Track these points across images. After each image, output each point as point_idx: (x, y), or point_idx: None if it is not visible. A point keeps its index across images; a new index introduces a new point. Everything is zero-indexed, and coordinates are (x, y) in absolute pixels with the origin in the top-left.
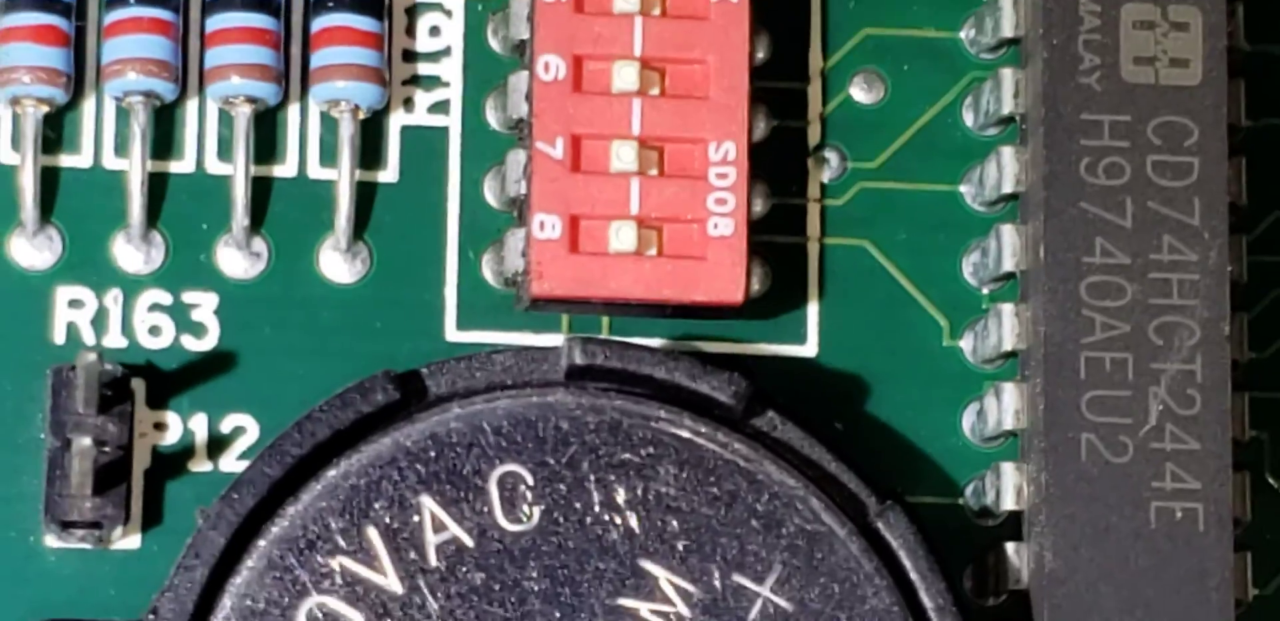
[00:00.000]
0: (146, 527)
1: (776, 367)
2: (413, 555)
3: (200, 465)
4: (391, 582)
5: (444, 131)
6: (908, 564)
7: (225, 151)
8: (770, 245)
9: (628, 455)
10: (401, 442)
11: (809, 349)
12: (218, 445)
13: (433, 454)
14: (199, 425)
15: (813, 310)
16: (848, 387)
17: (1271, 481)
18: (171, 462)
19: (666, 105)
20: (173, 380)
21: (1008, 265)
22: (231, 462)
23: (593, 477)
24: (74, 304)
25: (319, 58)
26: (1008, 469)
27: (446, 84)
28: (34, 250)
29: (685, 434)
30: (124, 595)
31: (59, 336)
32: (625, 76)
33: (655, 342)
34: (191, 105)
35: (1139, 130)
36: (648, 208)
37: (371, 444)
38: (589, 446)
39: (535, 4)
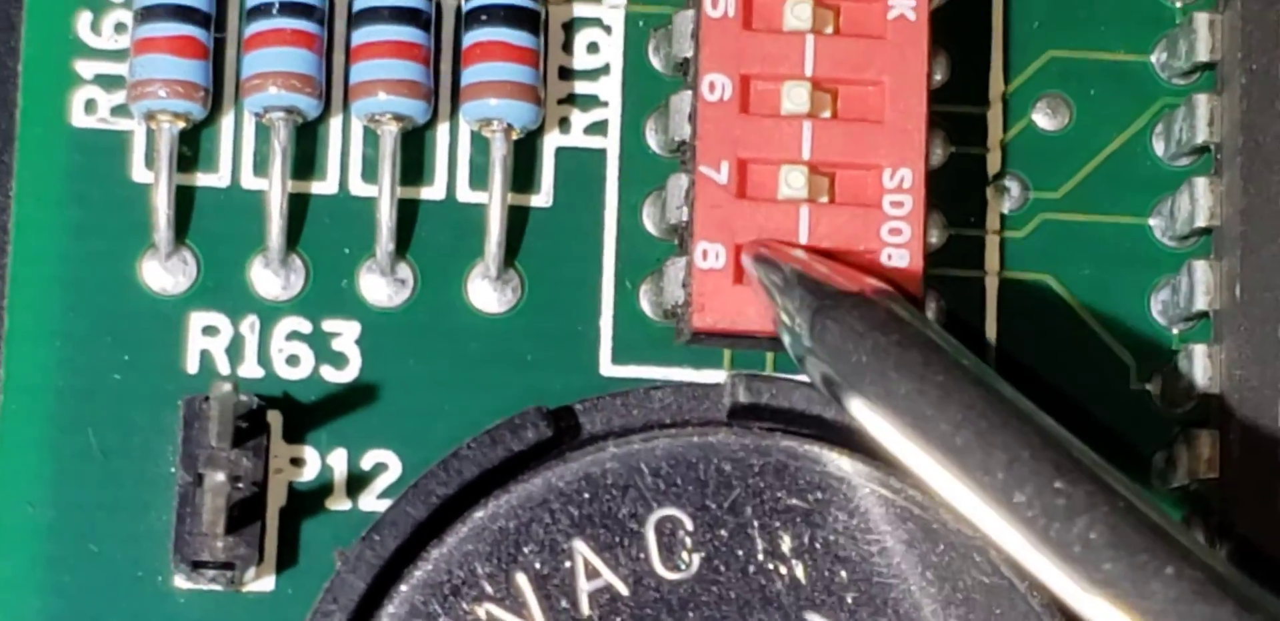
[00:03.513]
0: (281, 569)
1: None
2: (564, 603)
3: (338, 503)
4: None
5: (601, 154)
6: None
7: (370, 172)
8: (945, 279)
9: (794, 500)
10: (554, 483)
11: None
12: (357, 482)
13: (587, 496)
14: (338, 461)
15: (991, 348)
16: None
17: None
18: (308, 500)
19: (839, 129)
20: (311, 413)
21: (1200, 304)
22: (371, 501)
23: (756, 523)
24: (208, 331)
25: (471, 74)
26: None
27: (605, 103)
28: (167, 274)
29: (855, 478)
30: None
31: (192, 365)
32: (796, 97)
33: None
34: (335, 122)
35: None
36: (817, 237)
37: (522, 484)
38: (753, 490)
39: (701, 20)
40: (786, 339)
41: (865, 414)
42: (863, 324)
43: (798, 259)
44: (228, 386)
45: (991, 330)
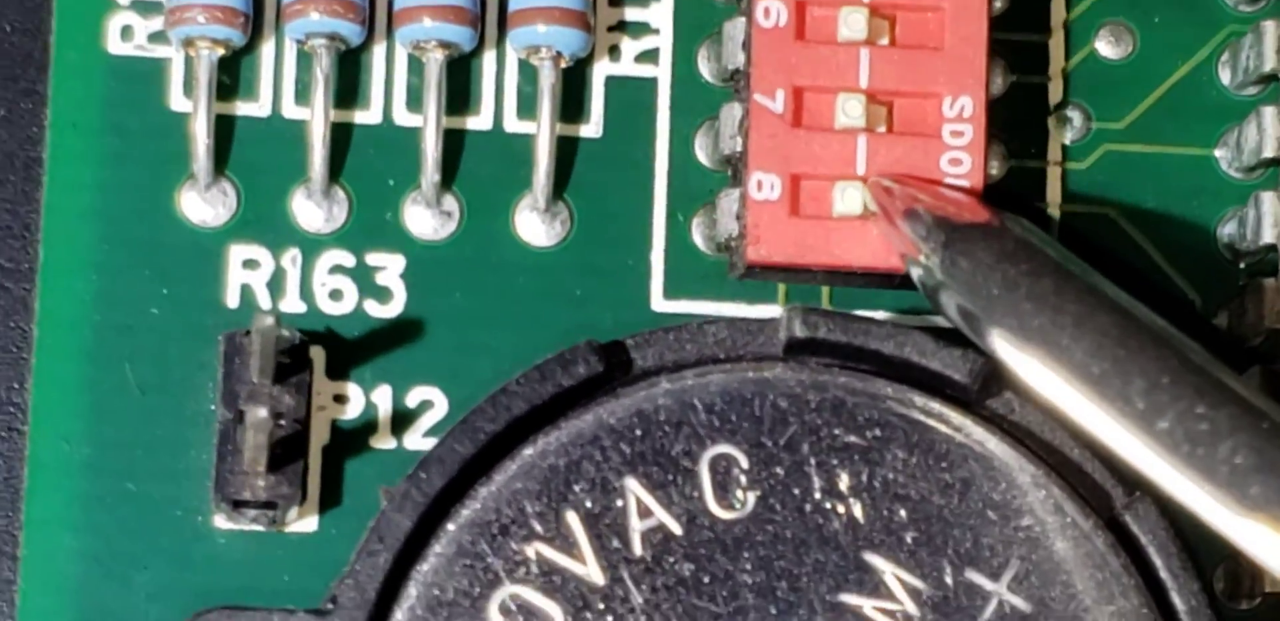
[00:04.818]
0: (324, 509)
1: None
2: (615, 543)
3: (383, 441)
4: (592, 572)
5: (652, 82)
6: (1158, 561)
7: (415, 101)
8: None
9: (852, 437)
10: (605, 419)
11: None
12: (402, 420)
13: (639, 432)
14: (382, 398)
15: None
16: None
17: None
18: (352, 438)
19: (897, 56)
20: (355, 349)
21: (1268, 237)
22: (417, 439)
23: (813, 461)
24: (249, 264)
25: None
26: None
27: (656, 31)
28: (206, 205)
29: (915, 415)
30: (299, 581)
31: (232, 299)
32: (853, 24)
33: (880, 315)
34: (379, 50)
35: None
36: (875, 167)
37: (572, 420)
38: (809, 427)
39: None
40: (916, 273)
41: (1004, 348)
42: (992, 255)
43: (923, 191)
44: (270, 320)
45: None
